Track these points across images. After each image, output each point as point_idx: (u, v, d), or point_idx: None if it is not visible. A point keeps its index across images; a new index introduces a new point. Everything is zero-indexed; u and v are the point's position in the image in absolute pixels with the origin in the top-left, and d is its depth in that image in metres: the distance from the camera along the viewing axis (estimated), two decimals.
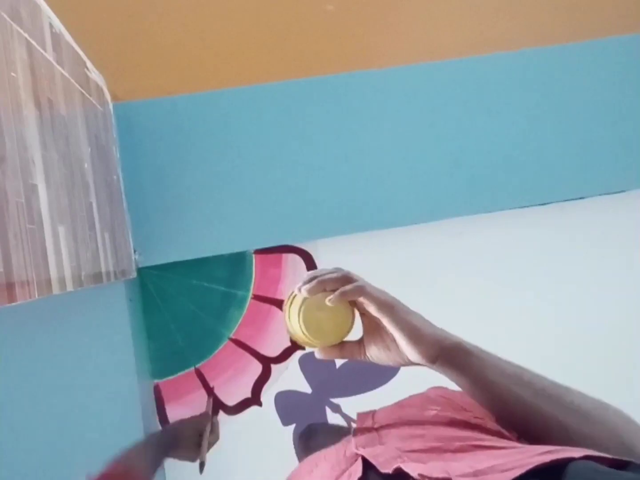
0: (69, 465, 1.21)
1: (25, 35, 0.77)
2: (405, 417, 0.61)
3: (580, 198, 1.52)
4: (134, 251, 1.34)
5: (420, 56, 1.44)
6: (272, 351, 1.50)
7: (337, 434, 0.79)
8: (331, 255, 1.52)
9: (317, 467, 0.58)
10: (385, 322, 0.59)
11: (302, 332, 0.62)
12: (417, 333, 0.58)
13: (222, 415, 1.49)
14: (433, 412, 0.62)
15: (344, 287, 0.59)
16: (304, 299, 0.61)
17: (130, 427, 1.25)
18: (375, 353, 0.63)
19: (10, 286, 0.59)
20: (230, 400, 1.49)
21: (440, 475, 0.42)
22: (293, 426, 1.50)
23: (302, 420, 1.49)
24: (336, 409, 1.52)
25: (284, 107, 1.43)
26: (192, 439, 1.30)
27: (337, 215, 1.42)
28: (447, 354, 0.58)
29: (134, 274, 1.34)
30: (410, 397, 0.69)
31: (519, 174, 1.49)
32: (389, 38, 1.32)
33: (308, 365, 1.51)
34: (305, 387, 1.51)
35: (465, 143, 1.48)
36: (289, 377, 1.50)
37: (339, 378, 1.51)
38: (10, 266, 0.60)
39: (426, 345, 0.58)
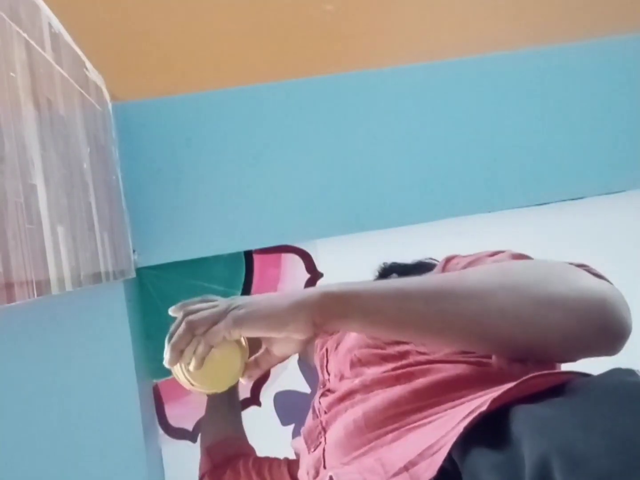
0: (68, 465, 1.21)
1: (24, 35, 0.77)
2: (342, 399, 0.60)
3: (580, 198, 1.52)
4: (133, 251, 1.34)
5: (420, 56, 1.44)
6: None
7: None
8: (330, 255, 1.52)
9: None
10: (245, 335, 0.57)
11: (205, 388, 0.61)
12: (277, 319, 0.54)
13: None
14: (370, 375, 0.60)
15: (196, 348, 0.57)
16: (179, 365, 0.59)
17: (130, 427, 1.25)
18: (279, 350, 0.61)
19: (9, 286, 0.59)
20: None
21: None
22: (292, 426, 1.49)
23: (302, 420, 1.49)
24: None
25: (284, 107, 1.43)
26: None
27: (336, 215, 1.42)
28: (318, 312, 0.54)
29: (133, 274, 1.34)
30: (344, 348, 0.67)
31: (519, 174, 1.48)
32: (389, 38, 1.32)
33: (307, 365, 1.51)
34: (304, 387, 1.51)
35: (465, 143, 1.48)
36: (288, 377, 1.50)
37: None
38: (9, 266, 0.60)
39: (294, 322, 0.54)
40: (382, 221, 1.44)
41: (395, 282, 0.55)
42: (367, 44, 1.33)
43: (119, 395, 1.25)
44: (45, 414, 1.24)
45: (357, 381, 0.60)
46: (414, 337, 0.54)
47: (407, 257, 1.54)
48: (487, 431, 0.39)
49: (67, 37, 1.01)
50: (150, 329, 1.46)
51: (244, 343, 0.61)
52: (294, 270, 1.51)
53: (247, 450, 1.03)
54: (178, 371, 0.60)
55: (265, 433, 1.49)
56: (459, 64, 1.47)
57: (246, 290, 1.49)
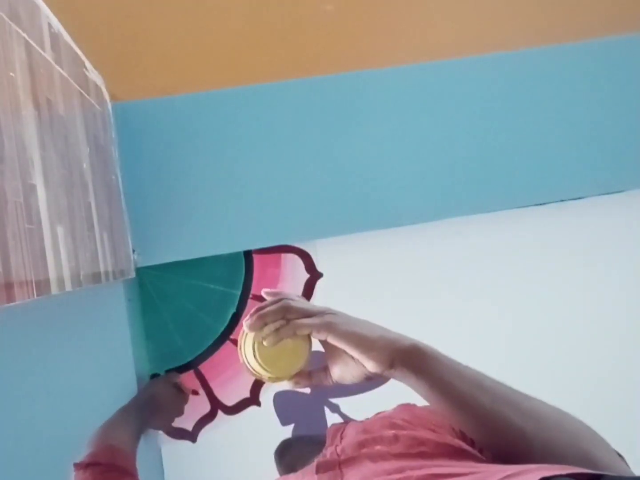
0: (67, 465, 1.21)
1: (24, 35, 0.77)
2: (367, 446, 0.61)
3: (580, 198, 1.52)
4: (133, 251, 1.34)
5: (420, 56, 1.44)
6: None
7: (312, 444, 0.79)
8: (330, 255, 1.52)
9: None
10: (330, 340, 0.59)
11: (261, 367, 0.62)
12: (365, 341, 0.58)
13: (221, 415, 1.49)
14: (392, 433, 0.61)
15: (280, 328, 0.60)
16: (255, 335, 0.61)
17: None
18: (338, 373, 0.62)
19: (9, 286, 0.59)
20: (229, 401, 1.49)
21: None
22: (292, 426, 1.50)
23: (301, 420, 1.49)
24: (335, 408, 1.52)
25: (284, 107, 1.43)
26: (170, 395, 1.34)
27: (336, 215, 1.42)
28: (402, 356, 0.57)
29: (133, 274, 1.34)
30: (375, 418, 0.68)
31: (518, 174, 1.48)
32: (389, 38, 1.32)
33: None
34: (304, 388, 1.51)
35: (464, 143, 1.47)
36: None
37: None
38: (9, 266, 0.60)
39: (378, 351, 0.57)
40: (382, 221, 1.44)
41: (474, 370, 0.58)
42: (367, 44, 1.33)
43: (119, 395, 1.25)
44: (44, 414, 1.24)
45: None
46: (463, 421, 0.57)
47: (406, 258, 1.55)
48: None
49: (67, 37, 1.01)
50: (150, 328, 1.46)
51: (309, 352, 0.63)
52: (293, 270, 1.51)
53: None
54: (248, 341, 0.62)
55: (265, 433, 1.50)
56: (459, 64, 1.47)
57: (246, 290, 1.49)
